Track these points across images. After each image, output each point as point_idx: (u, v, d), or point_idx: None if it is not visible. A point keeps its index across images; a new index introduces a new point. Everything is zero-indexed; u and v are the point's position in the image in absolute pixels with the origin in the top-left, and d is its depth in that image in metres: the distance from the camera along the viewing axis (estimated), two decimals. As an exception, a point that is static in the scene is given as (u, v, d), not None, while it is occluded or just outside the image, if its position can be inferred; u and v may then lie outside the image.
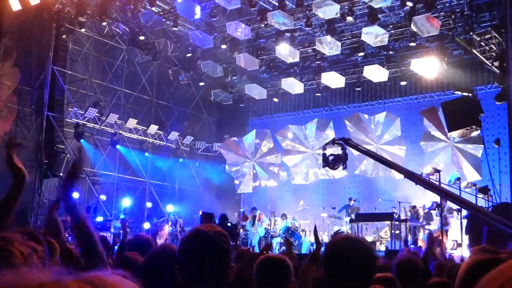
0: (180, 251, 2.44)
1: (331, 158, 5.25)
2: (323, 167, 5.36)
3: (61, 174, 19.47)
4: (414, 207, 18.02)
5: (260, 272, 3.54)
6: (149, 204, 22.80)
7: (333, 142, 4.82)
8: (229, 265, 2.44)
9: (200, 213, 20.01)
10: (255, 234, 19.89)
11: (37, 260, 2.19)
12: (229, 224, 18.95)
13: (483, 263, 2.38)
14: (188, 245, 2.42)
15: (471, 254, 5.16)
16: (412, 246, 15.76)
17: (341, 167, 5.27)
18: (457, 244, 15.75)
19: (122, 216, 20.27)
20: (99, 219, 19.67)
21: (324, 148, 5.40)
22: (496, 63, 17.71)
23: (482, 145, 17.57)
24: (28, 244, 2.21)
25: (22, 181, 3.02)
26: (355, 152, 22.22)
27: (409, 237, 17.24)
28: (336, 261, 2.73)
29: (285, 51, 20.30)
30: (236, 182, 25.30)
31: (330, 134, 23.31)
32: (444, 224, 15.05)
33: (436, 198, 15.00)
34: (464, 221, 13.42)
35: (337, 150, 5.14)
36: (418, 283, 4.31)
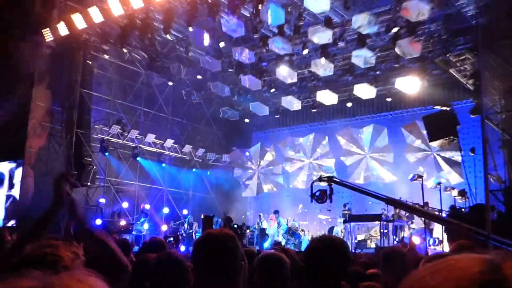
0: (193, 251, 2.52)
1: (318, 193, 5.44)
2: (311, 201, 5.58)
3: (88, 183, 19.75)
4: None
5: (258, 267, 3.62)
6: (166, 210, 22.97)
7: (319, 179, 5.08)
8: (238, 262, 2.45)
9: (202, 216, 19.57)
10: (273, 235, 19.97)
11: (79, 263, 2.19)
12: (235, 226, 18.90)
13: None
14: (200, 246, 2.52)
15: (449, 249, 5.37)
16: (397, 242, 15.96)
17: (328, 201, 5.45)
18: (439, 241, 15.93)
19: (142, 220, 20.55)
20: (122, 223, 19.92)
21: (311, 184, 5.60)
22: (471, 81, 17.95)
23: (460, 152, 17.74)
24: (70, 249, 2.21)
25: (57, 211, 2.83)
26: (348, 162, 22.78)
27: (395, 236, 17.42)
28: (312, 256, 2.95)
29: (284, 73, 20.26)
30: (243, 186, 25.63)
31: (325, 146, 23.76)
32: (428, 223, 15.21)
33: (419, 200, 15.16)
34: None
35: (324, 186, 5.33)
36: (402, 268, 4.20)
